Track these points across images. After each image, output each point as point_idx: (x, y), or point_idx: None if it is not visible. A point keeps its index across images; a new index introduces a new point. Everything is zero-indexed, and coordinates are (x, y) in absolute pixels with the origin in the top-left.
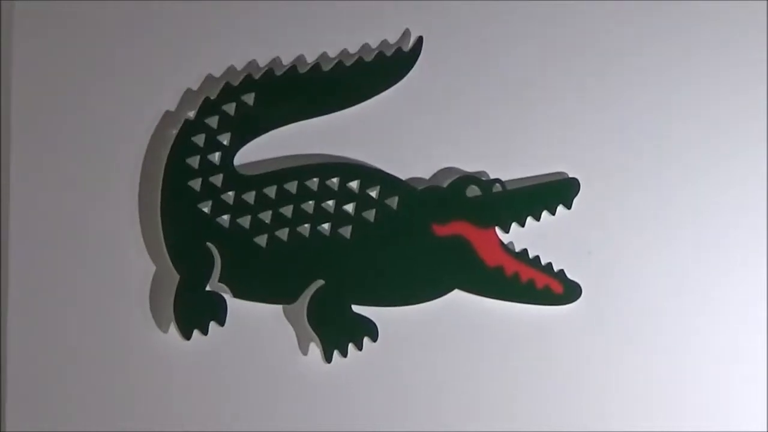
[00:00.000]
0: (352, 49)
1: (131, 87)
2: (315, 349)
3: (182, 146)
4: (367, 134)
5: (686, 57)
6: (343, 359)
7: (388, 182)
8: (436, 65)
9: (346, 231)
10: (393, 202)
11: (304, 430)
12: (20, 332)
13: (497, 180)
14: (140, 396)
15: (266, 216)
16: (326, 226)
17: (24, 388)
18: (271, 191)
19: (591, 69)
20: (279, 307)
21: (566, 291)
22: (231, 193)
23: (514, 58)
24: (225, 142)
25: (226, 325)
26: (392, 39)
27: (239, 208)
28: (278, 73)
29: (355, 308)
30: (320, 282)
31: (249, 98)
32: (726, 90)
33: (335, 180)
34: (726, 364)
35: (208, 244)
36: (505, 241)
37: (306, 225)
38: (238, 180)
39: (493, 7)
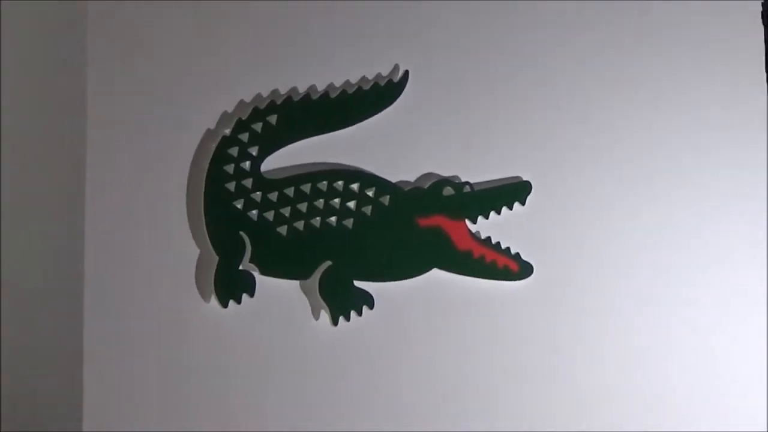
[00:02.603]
0: (353, 80)
1: (180, 110)
2: (324, 315)
3: (220, 157)
4: (365, 147)
5: (627, 75)
6: (347, 323)
7: (382, 184)
8: (419, 93)
9: (349, 223)
10: (385, 199)
11: (316, 378)
12: (97, 300)
13: (467, 182)
14: (189, 351)
15: (286, 211)
16: (333, 218)
17: (101, 341)
18: (290, 191)
19: (541, 101)
20: (296, 282)
21: (521, 269)
22: (258, 193)
23: (479, 88)
24: (254, 153)
25: (255, 296)
26: (384, 72)
27: (265, 204)
28: (296, 99)
29: (357, 283)
30: (328, 263)
31: (273, 119)
32: (663, 101)
33: (340, 183)
34: (639, 334)
35: (241, 232)
36: (473, 231)
37: (317, 218)
38: (264, 183)
39: (465, 47)
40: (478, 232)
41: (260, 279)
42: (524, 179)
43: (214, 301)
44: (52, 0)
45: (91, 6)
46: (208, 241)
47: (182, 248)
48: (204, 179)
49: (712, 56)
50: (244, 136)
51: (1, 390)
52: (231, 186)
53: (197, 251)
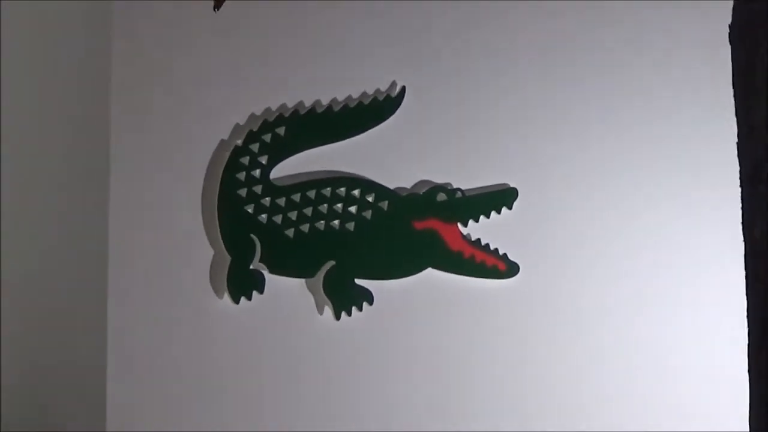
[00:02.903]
0: (355, 95)
1: (197, 122)
2: (328, 311)
3: (233, 165)
4: (365, 156)
5: (616, 90)
6: (348, 318)
7: (381, 190)
8: (415, 106)
9: (351, 225)
10: (384, 204)
11: (319, 369)
12: (119, 298)
13: (459, 189)
14: (204, 343)
15: (293, 215)
16: (336, 222)
17: (123, 335)
18: (296, 197)
19: (529, 114)
20: (302, 281)
21: (508, 269)
22: (267, 199)
23: (471, 102)
24: (263, 162)
25: (264, 293)
26: (383, 87)
27: (274, 209)
28: (302, 112)
29: (357, 281)
30: (332, 262)
31: (281, 130)
32: (628, 114)
33: (342, 189)
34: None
35: (251, 235)
36: (465, 233)
37: (322, 221)
38: (273, 189)
39: (458, 65)
40: (468, 234)
41: (269, 277)
42: (511, 186)
43: (227, 298)
44: (82, 21)
45: (116, 29)
46: (222, 243)
47: (198, 249)
48: (218, 186)
49: (704, 71)
50: (255, 147)
51: None
52: (243, 192)
53: (212, 252)
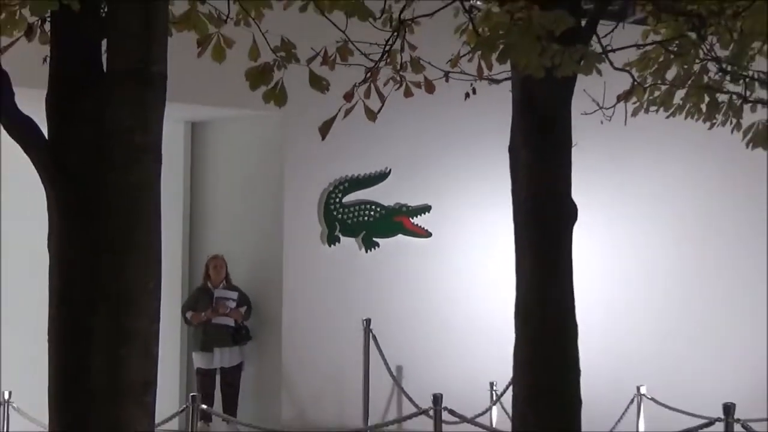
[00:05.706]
0: (373, 171)
1: (316, 183)
2: (363, 248)
3: (328, 200)
4: (376, 194)
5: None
6: (372, 251)
7: (382, 206)
8: (396, 177)
9: (371, 219)
10: (383, 212)
11: (358, 265)
12: (291, 244)
13: (410, 205)
14: (319, 257)
15: (351, 215)
16: (366, 218)
17: (295, 258)
18: (352, 209)
19: (447, 177)
20: (353, 238)
21: (427, 234)
22: (342, 209)
23: (418, 174)
24: (340, 196)
25: (341, 242)
26: (383, 168)
27: (344, 213)
28: (354, 178)
29: (374, 239)
30: (364, 231)
31: (346, 185)
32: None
33: (368, 205)
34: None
35: (335, 222)
36: (413, 221)
37: (361, 217)
38: (343, 206)
39: (413, 160)
40: (414, 221)
41: (342, 238)
42: (429, 204)
43: (326, 244)
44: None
45: (286, 150)
46: (325, 225)
47: (317, 228)
48: (324, 206)
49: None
50: (336, 191)
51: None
52: (332, 207)
53: (320, 228)
